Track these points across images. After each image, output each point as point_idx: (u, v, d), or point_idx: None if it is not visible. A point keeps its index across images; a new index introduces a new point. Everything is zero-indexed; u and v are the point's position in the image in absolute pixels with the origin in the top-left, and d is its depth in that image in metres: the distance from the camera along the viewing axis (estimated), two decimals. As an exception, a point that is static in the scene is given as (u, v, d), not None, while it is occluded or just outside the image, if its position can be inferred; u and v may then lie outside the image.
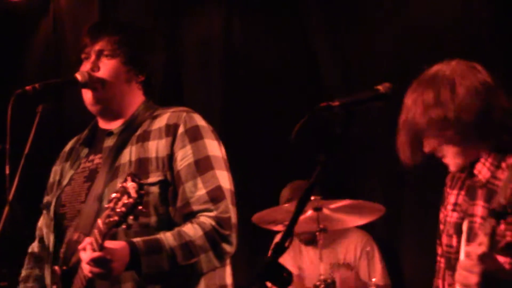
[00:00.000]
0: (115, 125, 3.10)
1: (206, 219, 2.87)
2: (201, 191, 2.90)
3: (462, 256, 2.71)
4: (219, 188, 2.92)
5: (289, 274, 2.24)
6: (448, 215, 2.87)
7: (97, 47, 3.06)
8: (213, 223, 2.86)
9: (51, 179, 3.21)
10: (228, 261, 3.04)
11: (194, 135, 2.97)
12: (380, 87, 2.42)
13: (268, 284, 2.23)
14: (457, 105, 2.67)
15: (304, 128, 2.35)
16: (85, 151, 3.14)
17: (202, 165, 2.93)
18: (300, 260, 5.17)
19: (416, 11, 4.99)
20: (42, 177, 3.30)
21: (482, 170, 2.74)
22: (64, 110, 5.84)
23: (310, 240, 5.10)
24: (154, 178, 2.90)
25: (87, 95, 3.06)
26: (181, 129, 2.97)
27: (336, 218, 4.68)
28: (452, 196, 2.89)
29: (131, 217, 2.58)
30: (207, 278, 2.96)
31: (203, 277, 2.94)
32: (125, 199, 2.56)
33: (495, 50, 4.62)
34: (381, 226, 5.13)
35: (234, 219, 2.93)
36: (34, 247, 3.21)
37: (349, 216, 4.70)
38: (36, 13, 6.25)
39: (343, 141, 2.35)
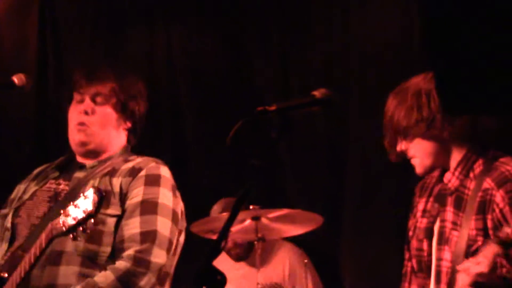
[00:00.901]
0: (90, 162, 3.15)
1: (119, 263, 2.88)
2: (135, 230, 2.93)
3: (434, 257, 2.92)
4: (153, 232, 2.94)
5: (223, 277, 2.24)
6: (418, 221, 3.04)
7: (93, 90, 3.10)
8: (128, 264, 2.87)
9: (12, 195, 3.23)
10: (167, 282, 3.05)
11: (152, 181, 3.03)
12: (316, 93, 2.44)
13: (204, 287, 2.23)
14: (433, 107, 2.85)
15: (240, 133, 2.36)
16: (55, 174, 3.18)
17: (147, 207, 2.97)
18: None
19: (355, 21, 5.06)
20: None
21: (451, 178, 2.93)
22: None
23: (242, 256, 5.09)
24: (113, 210, 2.94)
25: (74, 135, 3.12)
26: (142, 173, 3.03)
27: (274, 228, 4.68)
28: (421, 204, 3.07)
29: (80, 229, 2.59)
30: None
31: None
32: (80, 209, 2.60)
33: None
34: (319, 237, 5.16)
35: (154, 260, 2.91)
36: None
37: (287, 226, 4.70)
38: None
39: (278, 146, 2.36)
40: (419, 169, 2.97)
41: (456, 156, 2.92)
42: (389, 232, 4.68)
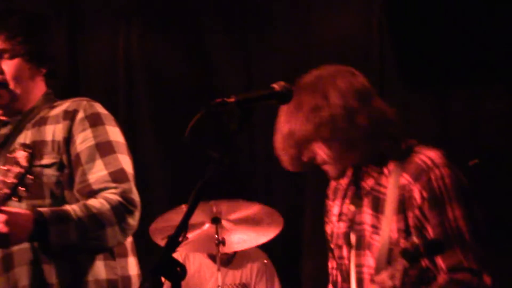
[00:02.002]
0: (13, 116, 3.04)
1: (111, 194, 2.81)
2: (102, 172, 2.85)
3: (353, 264, 2.73)
4: (121, 171, 2.88)
5: (183, 268, 2.22)
6: (335, 226, 2.84)
7: None
8: (120, 198, 2.81)
9: None
10: (129, 251, 2.99)
11: (95, 120, 2.93)
12: (275, 86, 2.42)
13: (162, 279, 2.21)
14: (332, 110, 2.64)
15: (199, 126, 2.34)
16: None
17: (103, 148, 2.89)
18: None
19: (317, 20, 5.09)
20: None
21: (365, 177, 2.74)
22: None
23: (228, 261, 5.09)
24: (48, 160, 2.85)
25: None
26: (80, 115, 2.93)
27: (235, 232, 4.66)
28: (335, 207, 2.87)
29: (22, 189, 2.51)
30: (108, 269, 2.91)
31: (104, 265, 2.89)
32: (15, 169, 2.50)
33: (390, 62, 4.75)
34: (280, 242, 5.16)
35: (137, 199, 2.88)
36: None
37: (250, 232, 4.67)
38: None
39: (238, 138, 2.35)
40: (333, 174, 2.75)
41: (366, 153, 2.69)
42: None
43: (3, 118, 3.06)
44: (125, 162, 2.92)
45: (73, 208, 2.75)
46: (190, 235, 4.42)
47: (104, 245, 2.82)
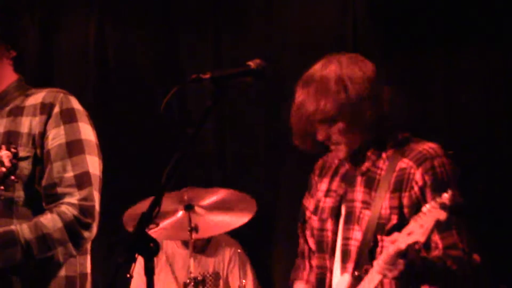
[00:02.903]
0: None
1: (67, 208, 2.82)
2: (69, 174, 2.85)
3: (340, 237, 2.89)
4: (86, 174, 2.88)
5: (156, 244, 2.21)
6: (321, 200, 2.99)
7: None
8: (75, 212, 2.82)
9: None
10: (88, 249, 3.01)
11: (69, 117, 2.91)
12: (251, 63, 2.44)
13: (136, 254, 2.20)
14: (356, 93, 2.80)
15: (173, 100, 2.34)
16: None
17: (73, 147, 2.88)
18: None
19: (290, 11, 5.11)
20: None
21: (365, 159, 2.90)
22: None
23: (201, 249, 5.06)
24: (23, 153, 2.82)
25: None
26: (56, 109, 2.91)
27: (211, 222, 4.64)
28: (323, 184, 3.02)
29: (1, 187, 2.51)
30: (68, 266, 2.91)
31: (65, 265, 2.89)
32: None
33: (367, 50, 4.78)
34: (253, 230, 5.16)
35: (97, 206, 2.89)
36: None
37: (223, 216, 4.67)
38: None
39: (212, 114, 2.35)
40: (343, 154, 2.90)
41: (369, 137, 2.87)
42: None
43: None
44: (92, 163, 2.92)
45: (22, 229, 2.77)
46: (163, 223, 4.43)
47: (55, 262, 2.85)
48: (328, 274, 2.92)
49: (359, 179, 2.90)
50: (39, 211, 2.82)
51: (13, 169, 2.49)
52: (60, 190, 2.84)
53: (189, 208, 4.56)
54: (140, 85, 5.56)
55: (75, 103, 2.97)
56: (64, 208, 2.82)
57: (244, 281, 4.77)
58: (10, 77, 3.03)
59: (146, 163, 5.24)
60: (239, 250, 4.95)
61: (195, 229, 4.55)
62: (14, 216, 2.81)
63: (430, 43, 4.84)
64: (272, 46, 5.20)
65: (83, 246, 2.89)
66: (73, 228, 2.80)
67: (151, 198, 4.17)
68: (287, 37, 5.22)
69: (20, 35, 3.04)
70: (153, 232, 2.25)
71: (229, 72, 2.41)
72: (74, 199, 2.83)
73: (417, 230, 2.50)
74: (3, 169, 2.48)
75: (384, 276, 2.61)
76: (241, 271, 4.88)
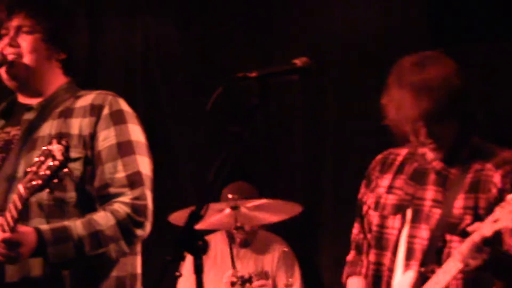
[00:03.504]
0: (34, 101, 3.03)
1: (120, 206, 2.83)
2: (120, 174, 2.87)
3: (406, 234, 2.87)
4: (138, 173, 2.89)
5: (204, 242, 2.22)
6: (382, 196, 2.98)
7: (15, 22, 2.98)
8: (128, 210, 2.83)
9: None
10: (139, 250, 3.02)
11: (118, 118, 2.94)
12: (297, 61, 2.43)
13: (184, 253, 2.21)
14: (442, 93, 2.78)
15: (220, 99, 2.34)
16: (1, 122, 3.06)
17: (124, 148, 2.90)
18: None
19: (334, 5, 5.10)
20: None
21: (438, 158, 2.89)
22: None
23: (246, 242, 5.09)
24: (74, 154, 2.83)
25: (2, 72, 2.99)
26: (105, 111, 2.93)
27: (253, 216, 4.68)
28: (385, 180, 3.01)
29: (55, 181, 2.52)
30: (118, 266, 2.93)
31: (115, 265, 2.91)
32: (49, 162, 2.50)
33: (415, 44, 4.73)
34: (300, 228, 5.16)
35: (150, 205, 2.91)
36: None
37: (265, 214, 4.70)
38: None
39: (259, 113, 2.35)
40: (439, 154, 2.90)
41: (452, 138, 2.88)
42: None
43: (26, 102, 3.04)
44: (143, 163, 2.93)
45: (75, 225, 2.78)
46: (211, 219, 4.47)
47: (107, 260, 2.86)
48: (385, 272, 2.92)
49: (431, 177, 2.90)
50: (89, 212, 2.84)
51: (65, 161, 2.50)
52: (112, 190, 2.86)
53: (235, 208, 4.60)
54: (187, 84, 5.58)
55: (124, 105, 3.00)
56: (117, 206, 2.83)
57: (291, 279, 4.77)
58: (59, 79, 3.06)
59: (194, 162, 5.26)
60: (285, 249, 4.96)
61: (241, 228, 4.59)
62: (65, 217, 2.82)
63: (481, 37, 4.78)
64: (315, 42, 5.18)
65: (135, 244, 2.90)
66: (126, 226, 2.82)
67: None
68: (330, 31, 5.20)
69: (69, 37, 3.07)
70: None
71: (276, 70, 2.41)
72: (126, 198, 2.84)
73: (505, 217, 2.50)
74: (56, 162, 2.49)
75: (466, 265, 2.60)
76: (289, 270, 4.88)
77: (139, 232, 2.86)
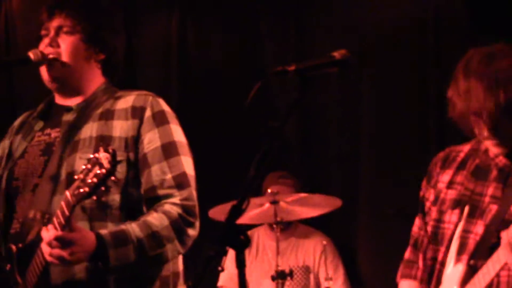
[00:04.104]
0: (73, 102, 3.04)
1: (171, 207, 2.84)
2: (167, 176, 2.87)
3: (460, 229, 2.84)
4: (184, 174, 2.90)
5: (247, 237, 2.22)
6: (442, 191, 2.96)
7: (56, 23, 3.00)
8: (180, 210, 2.83)
9: None
10: None
11: (161, 119, 2.94)
12: (336, 54, 2.41)
13: (227, 247, 2.21)
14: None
15: (259, 95, 2.33)
16: (40, 124, 3.06)
17: (168, 150, 2.91)
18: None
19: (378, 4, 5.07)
20: None
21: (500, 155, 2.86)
22: (14, 88, 5.82)
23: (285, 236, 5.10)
24: (117, 157, 2.74)
25: (44, 72, 3.00)
26: (148, 113, 2.93)
27: (292, 210, 4.68)
28: (445, 175, 2.98)
29: (102, 188, 2.52)
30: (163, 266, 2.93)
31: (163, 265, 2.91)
32: (97, 170, 2.50)
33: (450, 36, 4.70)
34: (337, 222, 5.15)
35: (197, 208, 2.91)
36: None
37: (305, 208, 4.71)
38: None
39: (299, 107, 2.34)
40: (503, 150, 2.86)
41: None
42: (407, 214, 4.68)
43: (64, 103, 3.05)
44: (187, 164, 2.94)
45: (132, 228, 2.78)
46: (251, 213, 4.48)
47: (164, 260, 2.87)
48: (437, 265, 2.91)
49: (493, 173, 2.86)
50: (132, 214, 2.84)
51: (112, 170, 2.50)
52: (161, 192, 2.86)
53: (274, 202, 4.61)
54: (223, 81, 5.59)
55: (164, 105, 3.00)
56: (168, 207, 2.83)
57: (331, 272, 4.77)
58: (98, 80, 3.07)
59: (231, 160, 5.27)
60: (324, 242, 4.95)
61: (280, 222, 4.60)
62: (108, 220, 2.82)
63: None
64: (351, 35, 5.16)
65: (188, 244, 2.89)
66: (179, 226, 2.82)
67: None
68: (366, 24, 5.17)
69: (109, 38, 3.07)
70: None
71: (314, 63, 2.39)
72: (176, 199, 2.85)
73: None
74: (103, 171, 2.49)
75: None
76: (331, 264, 4.88)
77: (191, 231, 2.86)
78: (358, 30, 5.13)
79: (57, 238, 2.59)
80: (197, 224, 2.89)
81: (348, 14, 5.22)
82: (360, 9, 5.16)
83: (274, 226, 4.61)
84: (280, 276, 4.43)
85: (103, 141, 2.84)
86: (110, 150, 2.51)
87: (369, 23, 5.12)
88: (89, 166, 2.53)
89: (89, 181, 2.51)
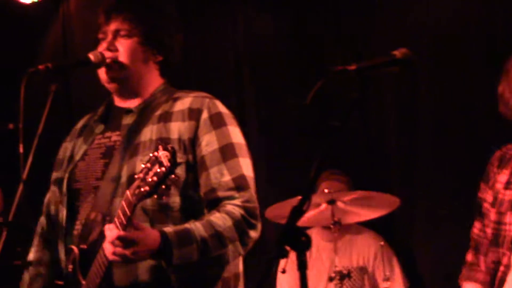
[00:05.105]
0: (132, 104, 3.05)
1: (234, 208, 2.82)
2: (226, 178, 2.86)
3: None
4: (243, 177, 2.89)
5: (308, 238, 2.21)
6: (500, 192, 2.94)
7: (113, 26, 3.01)
8: (242, 211, 2.82)
9: (60, 155, 3.14)
10: None
11: (218, 121, 2.93)
12: (396, 53, 2.38)
13: (287, 248, 2.20)
14: None
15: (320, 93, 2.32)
16: (101, 127, 3.08)
17: (227, 152, 2.90)
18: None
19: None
20: (50, 156, 3.21)
21: None
22: (71, 90, 5.88)
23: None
24: (177, 159, 2.74)
25: (102, 74, 3.03)
26: (204, 115, 2.93)
27: (350, 211, 4.66)
28: (502, 175, 2.97)
29: (163, 187, 2.51)
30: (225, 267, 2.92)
31: (225, 267, 2.91)
32: (157, 168, 2.49)
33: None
34: (394, 221, 5.11)
35: (258, 209, 2.90)
36: (43, 225, 3.13)
37: (363, 209, 4.68)
38: (45, 16, 6.25)
39: (359, 106, 2.32)
40: None
41: None
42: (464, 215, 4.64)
43: (123, 105, 3.07)
44: (246, 166, 2.93)
45: (197, 227, 2.76)
46: (307, 214, 4.45)
47: (225, 261, 2.86)
48: (501, 268, 2.87)
49: None
50: (192, 216, 2.83)
51: (172, 168, 2.50)
52: (221, 194, 2.85)
53: (331, 202, 4.58)
54: (281, 80, 5.57)
55: (222, 107, 2.99)
56: (230, 207, 2.82)
57: (388, 273, 4.72)
58: (156, 81, 3.08)
59: (296, 159, 5.26)
60: (381, 243, 4.90)
61: (338, 223, 4.57)
62: (169, 222, 2.81)
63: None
64: (408, 34, 5.11)
65: (249, 246, 2.88)
66: (241, 227, 2.81)
67: (292, 200, 4.40)
68: (423, 24, 5.11)
69: (166, 39, 3.07)
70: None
71: (376, 62, 2.37)
72: (238, 201, 2.84)
73: None
74: (163, 169, 2.48)
75: None
76: (387, 265, 4.83)
77: (252, 233, 2.85)
78: (414, 30, 5.07)
79: (119, 238, 2.59)
80: (259, 226, 2.87)
81: (404, 13, 5.17)
82: (416, 10, 5.11)
83: (332, 227, 4.56)
84: (338, 276, 4.40)
85: (163, 143, 2.81)
86: (170, 148, 2.51)
87: (425, 23, 5.07)
88: (148, 165, 2.52)
89: (149, 180, 2.51)
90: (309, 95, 2.31)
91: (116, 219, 2.61)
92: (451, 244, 4.75)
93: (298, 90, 5.17)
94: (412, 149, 5.16)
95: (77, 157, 3.05)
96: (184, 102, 2.98)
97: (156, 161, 2.50)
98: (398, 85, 5.12)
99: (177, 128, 2.91)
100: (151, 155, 2.53)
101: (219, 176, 2.86)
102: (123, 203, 2.58)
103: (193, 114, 2.93)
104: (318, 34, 5.48)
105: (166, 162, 2.48)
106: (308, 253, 4.81)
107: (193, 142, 2.90)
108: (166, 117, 2.95)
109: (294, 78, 5.46)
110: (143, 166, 2.54)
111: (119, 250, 2.60)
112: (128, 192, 2.58)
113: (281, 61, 5.60)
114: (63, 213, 2.99)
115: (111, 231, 2.60)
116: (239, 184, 2.86)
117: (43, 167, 3.11)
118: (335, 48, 5.39)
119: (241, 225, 2.81)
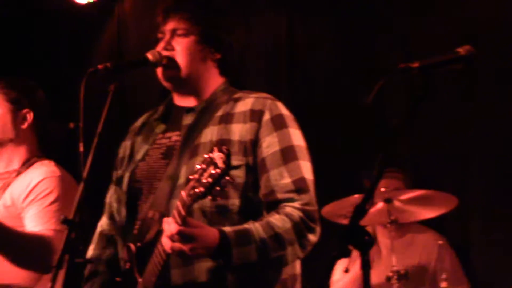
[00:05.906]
0: (192, 103, 3.05)
1: (293, 210, 2.80)
2: (286, 180, 2.84)
3: None
4: (303, 179, 2.86)
5: (371, 237, 2.19)
6: None
7: (170, 26, 3.02)
8: (301, 214, 2.80)
9: (120, 154, 3.16)
10: None
11: (279, 123, 2.92)
12: (461, 50, 2.35)
13: (350, 247, 2.18)
14: None
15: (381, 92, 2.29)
16: (162, 127, 3.09)
17: (287, 154, 2.88)
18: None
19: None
20: (109, 155, 3.21)
21: None
22: (126, 90, 5.89)
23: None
24: (236, 161, 2.81)
25: (160, 73, 3.03)
26: (266, 116, 2.91)
27: (407, 210, 4.61)
28: None
29: (217, 188, 2.50)
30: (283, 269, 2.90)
31: (282, 268, 2.89)
32: (211, 170, 2.48)
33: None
34: (451, 221, 5.05)
35: (318, 213, 2.87)
36: (104, 224, 3.16)
37: (420, 208, 4.63)
38: (100, 16, 6.31)
39: (423, 105, 2.29)
40: None
41: None
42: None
43: (183, 104, 3.07)
44: (306, 169, 2.90)
45: (256, 228, 2.74)
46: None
47: (284, 263, 2.83)
48: None
49: None
50: (251, 219, 2.80)
51: (227, 169, 2.48)
52: (280, 196, 2.83)
53: (388, 201, 4.55)
54: (333, 81, 5.56)
55: (283, 109, 2.97)
56: (289, 210, 2.80)
57: (449, 273, 4.66)
58: (216, 80, 3.07)
59: (346, 159, 5.24)
60: (440, 242, 4.84)
61: (395, 221, 4.54)
62: (227, 224, 2.79)
63: None
64: (462, 34, 5.04)
65: (308, 248, 2.85)
66: (301, 230, 2.78)
67: (348, 198, 4.38)
68: (479, 24, 5.04)
69: (224, 37, 3.06)
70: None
71: (439, 59, 2.33)
72: (297, 204, 2.81)
73: None
74: (218, 170, 2.47)
75: None
76: (447, 264, 4.77)
77: (311, 237, 2.82)
78: (469, 30, 5.00)
79: (179, 233, 2.57)
80: (318, 229, 2.84)
81: (458, 12, 5.11)
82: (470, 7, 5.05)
83: (388, 226, 4.53)
84: (396, 276, 4.36)
85: (224, 145, 2.77)
86: (225, 150, 2.49)
87: (482, 23, 4.99)
88: (203, 166, 2.51)
89: (204, 181, 2.49)
90: (370, 95, 2.28)
91: (171, 219, 2.61)
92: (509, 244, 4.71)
93: (351, 91, 5.16)
94: (467, 148, 5.10)
95: (138, 157, 3.06)
96: (246, 103, 2.96)
97: (211, 162, 2.49)
98: (456, 84, 5.06)
99: (239, 130, 2.90)
100: (206, 156, 2.52)
101: (279, 178, 2.84)
102: (178, 203, 2.58)
103: (255, 115, 2.92)
104: (369, 34, 5.44)
105: (220, 164, 2.47)
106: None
107: (254, 143, 2.88)
108: (227, 119, 2.94)
109: (346, 79, 5.44)
110: (198, 167, 2.53)
111: (177, 245, 2.59)
112: (183, 193, 2.57)
113: (333, 62, 5.57)
114: (122, 212, 3.02)
115: (170, 225, 2.59)
116: (299, 186, 2.84)
117: (102, 165, 3.14)
118: (387, 49, 5.34)
119: (300, 227, 2.78)
